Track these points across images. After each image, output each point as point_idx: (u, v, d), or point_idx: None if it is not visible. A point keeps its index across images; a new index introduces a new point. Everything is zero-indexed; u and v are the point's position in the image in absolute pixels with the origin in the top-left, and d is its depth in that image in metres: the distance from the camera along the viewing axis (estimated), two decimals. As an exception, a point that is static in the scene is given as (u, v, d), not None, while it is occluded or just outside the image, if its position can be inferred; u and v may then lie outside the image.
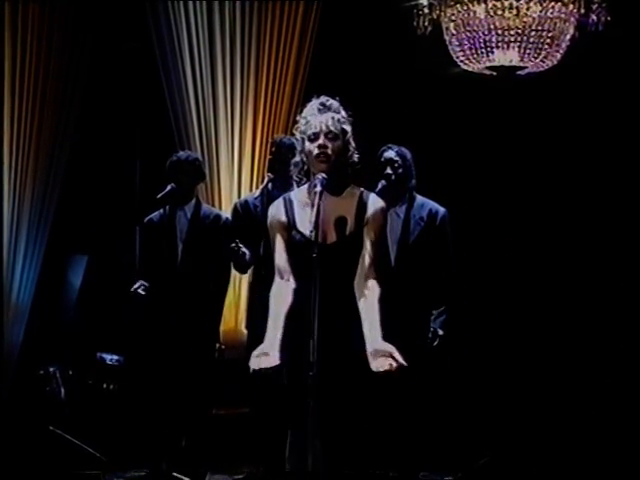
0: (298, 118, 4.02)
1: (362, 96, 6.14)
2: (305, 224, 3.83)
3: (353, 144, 3.97)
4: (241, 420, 6.41)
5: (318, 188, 3.84)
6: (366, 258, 3.85)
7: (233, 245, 5.61)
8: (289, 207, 4.01)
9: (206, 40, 7.55)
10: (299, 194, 4.06)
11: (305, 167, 4.00)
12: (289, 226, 3.96)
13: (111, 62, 7.56)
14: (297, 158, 4.02)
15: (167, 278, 6.12)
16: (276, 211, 4.02)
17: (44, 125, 7.45)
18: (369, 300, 3.82)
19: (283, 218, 3.98)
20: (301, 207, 3.98)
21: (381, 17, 7.12)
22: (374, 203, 3.97)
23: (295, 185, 4.07)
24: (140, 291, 6.04)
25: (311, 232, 3.71)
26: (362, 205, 3.94)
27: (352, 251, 3.91)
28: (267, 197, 5.81)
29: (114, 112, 7.66)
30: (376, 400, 3.92)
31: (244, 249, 5.64)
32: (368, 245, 3.87)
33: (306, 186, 4.02)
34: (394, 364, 3.67)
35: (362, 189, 3.99)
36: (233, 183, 7.64)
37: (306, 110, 4.01)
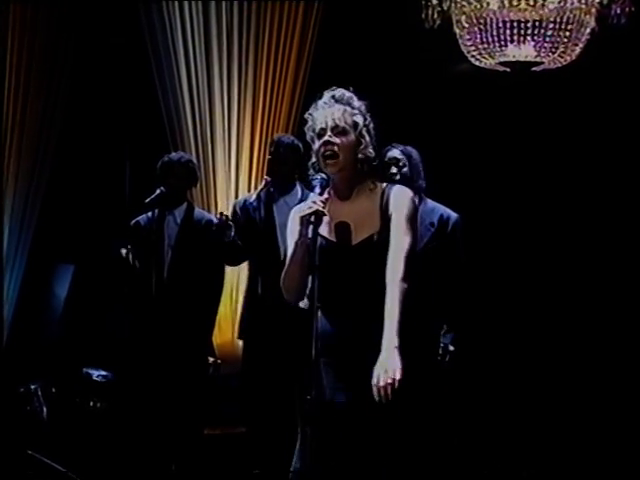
0: (307, 116, 3.89)
1: (366, 95, 5.85)
2: (324, 227, 3.71)
3: (368, 137, 3.80)
4: (238, 441, 6.33)
5: (317, 190, 3.75)
6: (392, 254, 3.71)
7: (221, 216, 5.66)
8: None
9: (202, 38, 7.53)
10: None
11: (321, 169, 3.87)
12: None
13: (99, 58, 7.54)
14: (312, 159, 3.88)
15: (154, 287, 6.06)
16: (297, 216, 3.86)
17: (27, 125, 7.40)
18: (390, 298, 3.66)
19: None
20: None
21: (386, 10, 7.09)
22: (396, 193, 3.81)
23: (317, 188, 3.86)
24: (129, 257, 6.03)
25: (309, 239, 3.64)
26: (386, 199, 3.80)
27: (380, 252, 3.76)
28: (267, 198, 5.86)
29: (102, 111, 7.62)
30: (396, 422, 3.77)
31: (230, 222, 5.70)
32: (394, 240, 3.73)
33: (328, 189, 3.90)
34: (388, 386, 3.54)
35: (385, 183, 3.85)
36: (230, 186, 7.62)
37: (313, 107, 3.87)
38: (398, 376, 3.55)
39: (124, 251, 6.05)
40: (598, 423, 6.65)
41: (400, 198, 3.80)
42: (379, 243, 3.77)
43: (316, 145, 3.81)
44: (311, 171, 3.87)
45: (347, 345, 3.67)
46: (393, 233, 3.74)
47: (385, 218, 3.78)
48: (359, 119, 3.80)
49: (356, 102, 3.82)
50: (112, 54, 7.52)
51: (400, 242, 3.72)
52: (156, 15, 7.51)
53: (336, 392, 3.69)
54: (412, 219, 3.82)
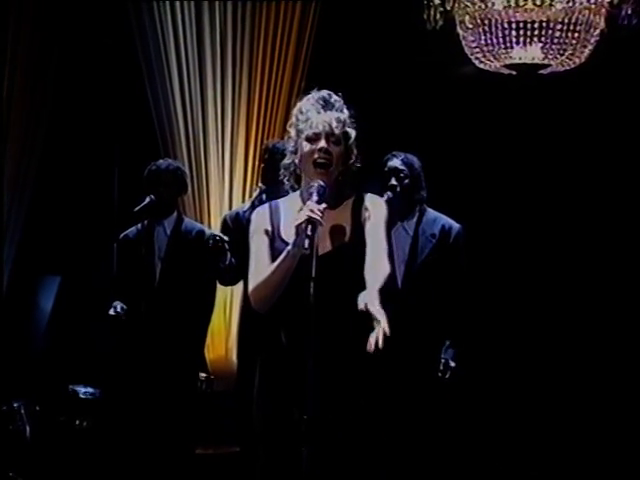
0: (295, 112, 3.77)
1: (365, 99, 5.99)
2: (292, 234, 3.60)
3: (356, 151, 3.75)
4: (232, 461, 6.26)
5: (314, 197, 3.60)
6: (371, 254, 3.63)
7: (216, 238, 5.54)
8: (274, 214, 3.81)
9: (194, 40, 7.51)
10: (287, 202, 3.83)
11: (297, 171, 3.78)
12: (273, 236, 3.77)
13: (86, 60, 7.49)
14: (288, 160, 3.81)
15: (144, 301, 6.06)
16: (260, 218, 3.83)
17: (11, 130, 7.31)
18: (373, 274, 3.57)
19: (268, 227, 3.78)
20: (288, 215, 3.75)
21: (386, 11, 7.08)
22: (370, 200, 3.76)
23: (291, 191, 3.88)
24: (119, 313, 5.98)
25: (306, 249, 3.50)
26: (357, 207, 3.74)
27: (351, 261, 3.67)
28: None
29: (90, 115, 7.58)
30: (382, 438, 3.75)
31: (226, 245, 5.55)
32: (372, 241, 3.66)
33: (296, 194, 3.81)
34: (380, 337, 3.38)
35: (355, 192, 3.79)
36: (224, 195, 7.58)
37: (305, 104, 3.75)
38: (385, 324, 3.41)
39: (112, 312, 6.00)
40: (603, 435, 6.69)
41: (375, 204, 3.76)
42: (349, 252, 3.69)
43: (305, 149, 3.71)
44: (283, 171, 3.81)
45: (315, 364, 3.54)
46: (370, 236, 3.67)
47: (357, 226, 3.73)
48: (351, 130, 3.74)
49: (347, 111, 3.76)
50: (100, 55, 7.50)
51: (379, 242, 3.66)
52: (146, 15, 7.48)
53: (319, 408, 3.57)
54: (388, 226, 3.77)
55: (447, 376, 5.39)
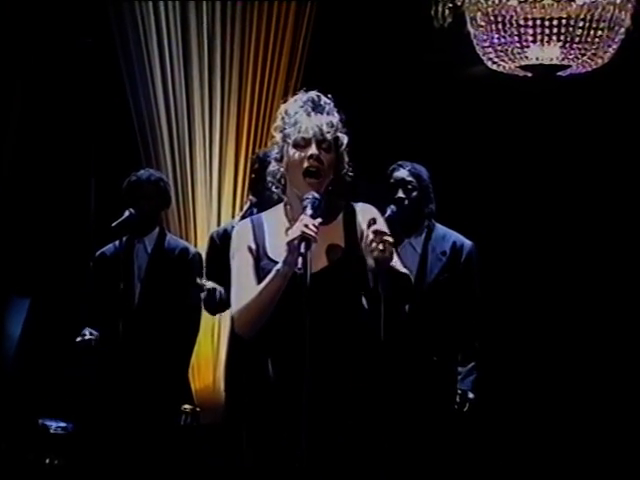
0: (280, 114, 3.67)
1: (367, 104, 6.43)
2: (279, 251, 3.50)
3: (347, 159, 3.67)
4: None
5: (308, 211, 3.47)
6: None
7: (201, 282, 5.50)
8: (258, 230, 3.69)
9: (180, 42, 7.42)
10: (271, 215, 3.72)
11: (283, 180, 3.67)
12: (258, 254, 3.64)
13: (61, 61, 7.37)
14: (273, 166, 3.69)
15: (122, 326, 5.93)
16: (242, 235, 3.71)
17: None
18: None
19: (252, 244, 3.66)
20: (273, 231, 3.66)
21: (389, 7, 6.97)
22: (364, 209, 3.68)
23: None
24: (89, 340, 5.91)
25: (299, 268, 3.39)
26: (349, 218, 3.66)
27: (345, 281, 3.60)
28: None
29: (64, 121, 7.46)
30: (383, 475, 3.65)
31: (214, 285, 5.49)
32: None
33: (280, 206, 3.71)
34: (386, 247, 3.40)
35: (345, 202, 3.71)
36: (211, 210, 7.43)
37: (292, 106, 3.63)
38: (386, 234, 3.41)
39: (80, 339, 5.93)
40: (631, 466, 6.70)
41: (370, 213, 3.64)
42: (344, 270, 3.59)
43: (293, 156, 3.59)
44: (270, 179, 3.72)
45: (308, 404, 3.39)
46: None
47: (351, 242, 3.63)
48: (343, 136, 3.67)
49: (337, 114, 3.66)
50: (77, 56, 7.35)
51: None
52: (128, 15, 7.40)
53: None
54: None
55: (465, 409, 5.35)
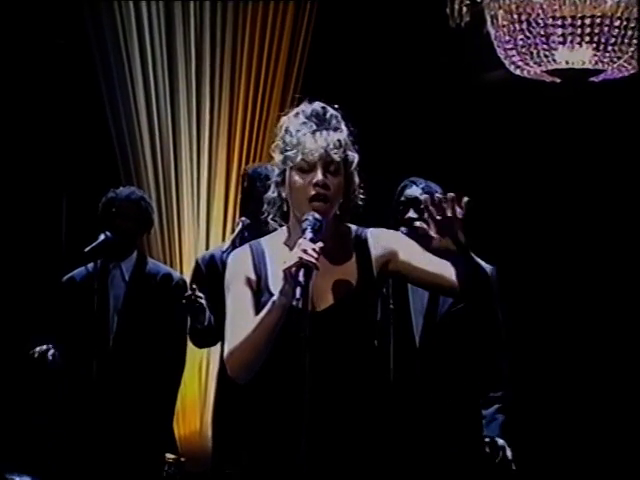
0: (280, 132, 3.45)
1: (372, 115, 6.29)
2: (274, 285, 3.37)
3: (358, 179, 3.47)
4: None
5: (308, 234, 3.28)
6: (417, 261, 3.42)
7: (189, 294, 5.26)
8: (259, 260, 3.48)
9: (164, 46, 7.23)
10: (273, 241, 3.52)
11: (284, 207, 3.48)
12: (258, 287, 3.44)
13: (30, 65, 7.16)
14: (273, 193, 3.50)
15: (96, 364, 5.66)
16: (240, 264, 3.50)
17: None
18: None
19: (251, 275, 3.44)
20: (277, 260, 3.41)
21: (399, 4, 6.82)
22: (377, 233, 3.50)
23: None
24: (48, 355, 5.74)
25: (297, 299, 3.22)
26: (362, 245, 3.48)
27: (356, 319, 3.40)
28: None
29: (34, 131, 7.23)
30: None
31: (204, 302, 5.29)
32: (414, 262, 3.42)
33: (283, 230, 3.50)
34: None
35: (355, 227, 3.52)
36: (199, 233, 7.24)
37: (293, 122, 3.41)
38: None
39: (38, 350, 5.76)
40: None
41: (386, 239, 3.51)
42: (353, 310, 3.41)
43: (297, 182, 3.38)
44: (266, 207, 3.53)
45: (310, 452, 3.19)
46: (408, 257, 3.44)
47: (365, 270, 3.46)
48: (352, 154, 3.45)
49: (345, 128, 3.46)
50: (49, 59, 7.21)
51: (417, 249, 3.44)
52: (106, 16, 7.21)
53: None
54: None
55: (499, 459, 5.04)
